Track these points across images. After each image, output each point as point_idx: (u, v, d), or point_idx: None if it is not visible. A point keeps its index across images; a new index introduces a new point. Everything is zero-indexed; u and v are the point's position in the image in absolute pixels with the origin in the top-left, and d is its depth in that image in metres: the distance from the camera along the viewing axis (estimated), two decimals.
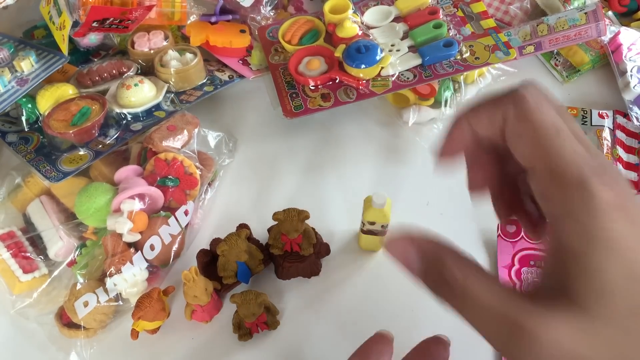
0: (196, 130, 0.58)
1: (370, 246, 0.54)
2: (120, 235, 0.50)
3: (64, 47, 0.60)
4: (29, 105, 0.60)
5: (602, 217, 0.21)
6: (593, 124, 0.60)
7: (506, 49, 0.60)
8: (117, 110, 0.59)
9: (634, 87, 0.62)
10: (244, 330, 0.49)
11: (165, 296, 0.49)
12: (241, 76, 0.68)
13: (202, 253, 0.53)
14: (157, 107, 0.61)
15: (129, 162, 0.57)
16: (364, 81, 0.59)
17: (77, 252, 0.52)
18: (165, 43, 0.66)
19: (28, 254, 0.52)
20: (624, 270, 0.21)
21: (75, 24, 0.58)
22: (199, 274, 0.47)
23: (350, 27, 0.61)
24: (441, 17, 0.62)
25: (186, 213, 0.53)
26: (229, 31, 0.68)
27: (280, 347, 0.49)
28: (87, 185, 0.53)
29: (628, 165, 0.58)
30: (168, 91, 0.62)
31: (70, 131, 0.56)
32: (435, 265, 0.24)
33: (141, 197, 0.51)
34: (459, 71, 0.58)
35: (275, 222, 0.50)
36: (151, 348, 0.50)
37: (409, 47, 0.61)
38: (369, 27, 0.64)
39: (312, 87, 0.60)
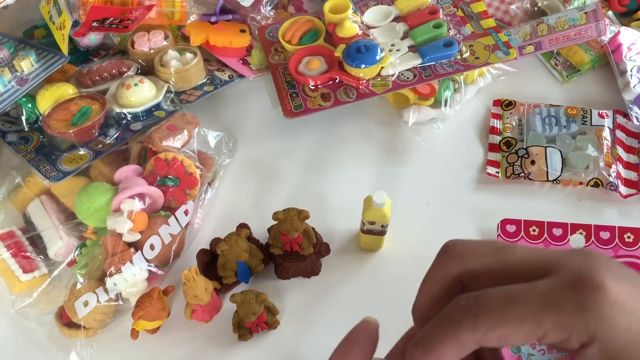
0: (196, 130, 0.58)
1: (370, 246, 0.54)
2: (120, 235, 0.50)
3: (64, 47, 0.60)
4: (29, 105, 0.60)
5: None
6: (593, 123, 0.60)
7: (506, 49, 0.60)
8: (117, 110, 0.59)
9: (634, 87, 0.62)
10: (244, 330, 0.49)
11: (165, 296, 0.49)
12: (241, 76, 0.68)
13: (202, 253, 0.53)
14: (157, 106, 0.61)
15: (129, 161, 0.57)
16: (364, 81, 0.59)
17: (77, 252, 0.52)
18: (165, 43, 0.66)
19: (28, 254, 0.52)
20: None
21: (75, 23, 0.58)
22: (199, 274, 0.47)
23: (350, 26, 0.61)
24: (441, 16, 0.62)
25: (186, 213, 0.53)
26: (229, 31, 0.68)
27: (280, 347, 0.49)
28: (87, 185, 0.53)
29: (628, 165, 0.58)
30: (168, 91, 0.62)
31: (70, 131, 0.56)
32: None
33: (141, 196, 0.51)
34: (459, 71, 0.58)
35: (275, 222, 0.50)
36: (151, 348, 0.50)
37: (409, 47, 0.61)
38: (369, 27, 0.64)
39: (312, 87, 0.60)
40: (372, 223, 0.49)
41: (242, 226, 0.53)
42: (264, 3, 0.71)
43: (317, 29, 0.66)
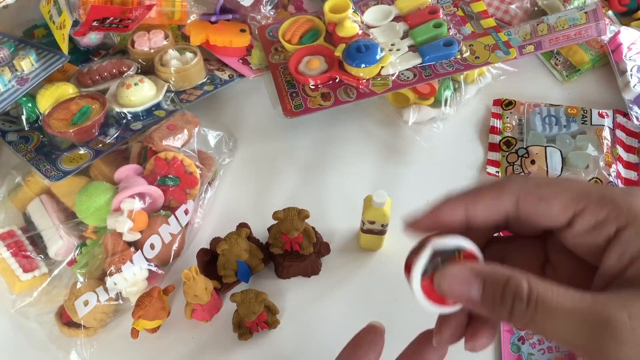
0: (196, 129, 0.58)
1: (370, 245, 0.54)
2: (120, 234, 0.50)
3: (64, 47, 0.60)
4: (29, 105, 0.60)
5: None
6: (593, 123, 0.60)
7: (506, 49, 0.60)
8: (117, 109, 0.59)
9: (633, 87, 0.62)
10: (244, 330, 0.49)
11: (165, 295, 0.49)
12: (241, 75, 0.68)
13: (202, 252, 0.53)
14: (157, 106, 0.61)
15: (129, 161, 0.57)
16: (364, 80, 0.59)
17: (77, 251, 0.52)
18: (165, 42, 0.66)
19: (28, 253, 0.52)
20: None
21: (75, 23, 0.58)
22: (199, 273, 0.47)
23: (350, 26, 0.61)
24: (441, 16, 0.62)
25: (186, 212, 0.53)
26: (229, 30, 0.68)
27: (280, 347, 0.49)
28: (87, 184, 0.53)
29: (628, 165, 0.58)
30: (168, 90, 0.62)
31: (71, 130, 0.56)
32: (500, 285, 0.24)
33: (141, 196, 0.51)
34: (459, 70, 0.58)
35: (275, 221, 0.50)
36: (151, 347, 0.50)
37: (409, 47, 0.61)
38: (369, 27, 0.64)
39: (312, 87, 0.60)
40: (372, 222, 0.49)
41: (242, 226, 0.53)
42: (264, 3, 0.71)
43: (317, 28, 0.66)
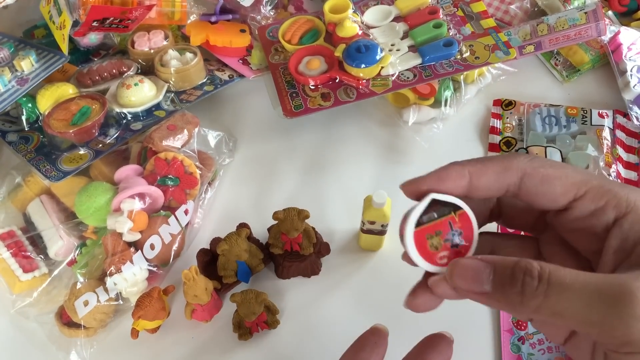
0: (196, 129, 0.58)
1: (370, 246, 0.54)
2: (120, 235, 0.50)
3: (64, 47, 0.60)
4: (29, 105, 0.60)
5: None
6: (593, 123, 0.60)
7: (506, 49, 0.60)
8: (117, 109, 0.59)
9: (633, 87, 0.62)
10: (244, 330, 0.49)
11: (165, 295, 0.49)
12: (241, 76, 0.68)
13: (202, 252, 0.53)
14: (157, 106, 0.61)
15: (129, 161, 0.57)
16: (364, 81, 0.59)
17: (77, 252, 0.52)
18: (165, 42, 0.66)
19: (28, 254, 0.52)
20: None
21: (75, 23, 0.58)
22: (199, 273, 0.47)
23: (350, 26, 0.61)
24: (441, 16, 0.62)
25: (186, 212, 0.53)
26: (229, 31, 0.68)
27: (280, 347, 0.49)
28: (87, 184, 0.53)
29: (628, 165, 0.58)
30: (168, 91, 0.62)
31: (71, 130, 0.56)
32: (509, 266, 0.24)
33: (141, 196, 0.51)
34: (459, 71, 0.58)
35: (276, 222, 0.50)
36: (151, 347, 0.50)
37: (409, 47, 0.61)
38: (369, 27, 0.64)
39: (312, 87, 0.60)
40: (372, 223, 0.49)
41: (242, 226, 0.53)
42: (264, 3, 0.71)
43: (317, 28, 0.66)
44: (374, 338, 0.31)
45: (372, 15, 0.65)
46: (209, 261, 0.53)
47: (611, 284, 0.22)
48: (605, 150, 0.57)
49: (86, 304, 0.47)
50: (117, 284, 0.49)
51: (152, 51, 0.65)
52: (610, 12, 0.71)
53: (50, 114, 0.58)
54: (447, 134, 0.62)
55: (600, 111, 0.61)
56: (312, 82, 0.60)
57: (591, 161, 0.57)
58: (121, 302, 0.50)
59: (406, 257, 0.28)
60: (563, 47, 0.66)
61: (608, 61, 0.66)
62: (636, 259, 0.24)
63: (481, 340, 0.48)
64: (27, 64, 0.60)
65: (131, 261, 0.49)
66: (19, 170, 0.57)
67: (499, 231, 0.54)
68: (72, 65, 0.66)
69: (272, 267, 0.54)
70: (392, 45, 0.61)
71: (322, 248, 0.53)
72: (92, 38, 0.68)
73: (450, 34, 0.61)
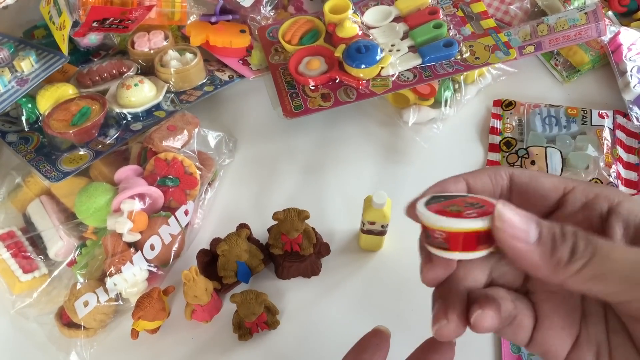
0: (196, 130, 0.58)
1: (370, 246, 0.54)
2: (120, 235, 0.50)
3: (64, 47, 0.60)
4: (29, 105, 0.60)
5: None
6: (593, 124, 0.60)
7: (506, 49, 0.60)
8: (117, 110, 0.59)
9: (634, 87, 0.62)
10: (244, 330, 0.49)
11: (165, 296, 0.49)
12: (241, 76, 0.68)
13: (202, 253, 0.53)
14: (157, 107, 0.61)
15: (129, 162, 0.57)
16: (364, 81, 0.59)
17: (77, 252, 0.52)
18: (165, 43, 0.66)
19: (28, 254, 0.52)
20: None
21: (75, 23, 0.58)
22: (199, 274, 0.47)
23: (350, 27, 0.61)
24: (441, 17, 0.62)
25: (186, 213, 0.53)
26: (229, 31, 0.68)
27: (280, 347, 0.49)
28: (87, 185, 0.53)
29: (628, 165, 0.58)
30: (168, 91, 0.62)
31: (70, 131, 0.56)
32: (557, 226, 0.24)
33: (141, 197, 0.51)
34: (459, 71, 0.58)
35: (276, 222, 0.50)
36: (151, 348, 0.50)
37: (409, 47, 0.61)
38: (369, 27, 0.64)
39: (312, 87, 0.60)
40: (372, 223, 0.49)
41: (242, 226, 0.53)
42: (264, 3, 0.71)
43: (317, 29, 0.66)
44: (376, 340, 0.31)
45: (372, 15, 0.65)
46: (209, 262, 0.53)
47: None
48: (605, 151, 0.57)
49: (86, 304, 0.47)
50: (117, 284, 0.49)
51: (152, 52, 0.65)
52: (610, 13, 0.71)
53: (50, 114, 0.58)
54: (447, 134, 0.62)
55: (601, 111, 0.61)
56: (312, 83, 0.60)
57: (591, 161, 0.57)
58: (121, 303, 0.50)
59: (422, 234, 0.26)
60: (563, 48, 0.66)
61: (608, 61, 0.66)
62: None
63: (481, 340, 0.48)
64: (27, 64, 0.60)
65: (131, 262, 0.49)
66: (19, 171, 0.57)
67: None
68: (72, 66, 0.66)
69: (272, 267, 0.54)
70: (392, 45, 0.61)
71: (322, 248, 0.53)
72: (92, 38, 0.68)
73: (451, 35, 0.61)
